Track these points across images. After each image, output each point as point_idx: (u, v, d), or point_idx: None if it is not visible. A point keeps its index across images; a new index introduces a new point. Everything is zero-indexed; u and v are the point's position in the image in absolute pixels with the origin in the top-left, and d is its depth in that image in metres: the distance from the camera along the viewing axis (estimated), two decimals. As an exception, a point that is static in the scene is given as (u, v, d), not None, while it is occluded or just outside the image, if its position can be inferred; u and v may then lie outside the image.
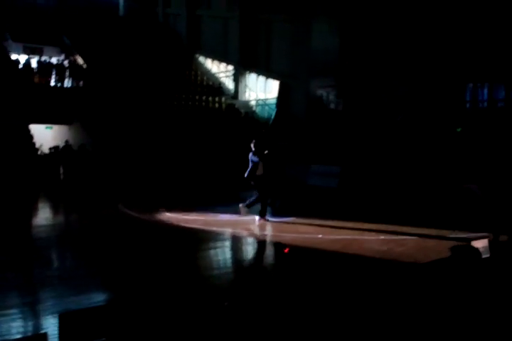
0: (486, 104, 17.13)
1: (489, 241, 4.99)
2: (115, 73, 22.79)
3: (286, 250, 6.79)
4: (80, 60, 24.35)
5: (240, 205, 10.76)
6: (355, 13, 19.30)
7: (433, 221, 10.37)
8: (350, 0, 19.73)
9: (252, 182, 10.52)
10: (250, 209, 10.70)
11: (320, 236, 8.97)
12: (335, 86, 20.49)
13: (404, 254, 7.52)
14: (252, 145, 10.39)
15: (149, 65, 24.72)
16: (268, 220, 10.44)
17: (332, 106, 21.35)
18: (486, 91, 17.06)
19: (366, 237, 8.91)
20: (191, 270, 6.94)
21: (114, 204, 13.16)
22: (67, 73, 22.42)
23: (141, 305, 5.15)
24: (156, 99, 22.52)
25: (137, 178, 16.89)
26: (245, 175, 10.54)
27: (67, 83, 22.42)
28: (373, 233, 9.22)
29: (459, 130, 16.04)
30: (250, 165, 10.42)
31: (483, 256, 4.54)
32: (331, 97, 21.30)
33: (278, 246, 5.99)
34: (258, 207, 10.66)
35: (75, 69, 22.93)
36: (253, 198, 10.63)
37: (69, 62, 23.73)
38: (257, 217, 10.45)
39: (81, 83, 22.60)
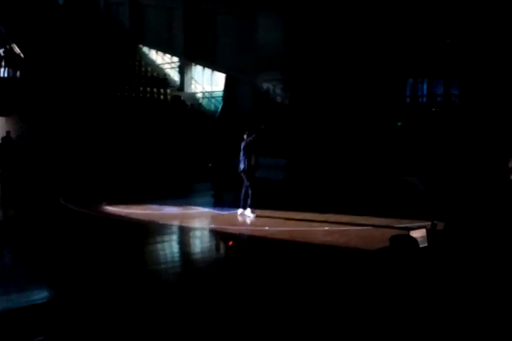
0: (425, 99, 17.76)
1: (427, 231, 5.20)
2: (54, 63, 21.91)
3: (230, 243, 6.78)
4: (16, 49, 23.21)
5: (239, 211, 10.34)
6: (300, 7, 19.46)
7: (376, 211, 10.71)
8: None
9: (245, 174, 10.25)
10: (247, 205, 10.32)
11: (266, 228, 9.06)
12: (281, 79, 20.63)
13: (347, 244, 7.73)
14: (245, 136, 10.38)
15: (90, 55, 23.92)
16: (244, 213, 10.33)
17: (279, 99, 21.51)
18: (425, 86, 17.68)
19: (312, 228, 9.08)
20: (135, 265, 6.82)
21: (54, 197, 12.72)
22: (3, 63, 21.34)
23: (83, 302, 5.02)
24: (98, 89, 21.86)
25: (79, 171, 16.38)
26: (243, 167, 10.24)
27: (4, 73, 21.36)
28: (319, 224, 9.41)
29: (399, 124, 16.59)
30: (243, 156, 10.25)
31: (421, 246, 4.73)
32: (278, 91, 21.44)
33: (223, 238, 5.96)
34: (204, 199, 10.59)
35: (11, 59, 21.85)
36: (244, 196, 10.28)
37: (5, 51, 22.58)
38: (249, 210, 10.22)
39: (18, 73, 21.59)
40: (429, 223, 6.12)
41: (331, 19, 18.30)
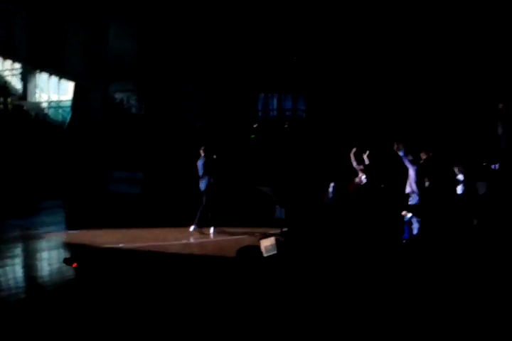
0: (275, 112, 18.77)
1: (276, 239, 5.44)
2: None
3: (75, 265, 6.31)
4: None
5: (192, 228, 9.72)
6: (152, 17, 19.31)
7: (235, 221, 10.92)
8: (145, 5, 19.64)
9: (205, 194, 9.68)
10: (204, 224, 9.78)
11: (121, 245, 8.67)
12: (135, 90, 20.22)
13: (204, 256, 7.76)
14: (201, 152, 9.82)
15: None
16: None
17: (134, 110, 21.03)
18: (275, 101, 18.71)
19: (169, 243, 8.93)
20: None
21: None
22: None
23: None
24: None
25: None
26: (204, 187, 9.67)
27: None
28: (177, 238, 9.31)
29: (252, 136, 17.27)
30: (205, 175, 9.68)
31: (271, 253, 4.93)
32: (132, 102, 20.99)
33: (67, 261, 5.51)
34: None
35: None
36: (199, 214, 9.72)
37: None
38: (212, 229, 9.70)
39: None
40: (279, 230, 6.42)
41: (182, 32, 18.45)
